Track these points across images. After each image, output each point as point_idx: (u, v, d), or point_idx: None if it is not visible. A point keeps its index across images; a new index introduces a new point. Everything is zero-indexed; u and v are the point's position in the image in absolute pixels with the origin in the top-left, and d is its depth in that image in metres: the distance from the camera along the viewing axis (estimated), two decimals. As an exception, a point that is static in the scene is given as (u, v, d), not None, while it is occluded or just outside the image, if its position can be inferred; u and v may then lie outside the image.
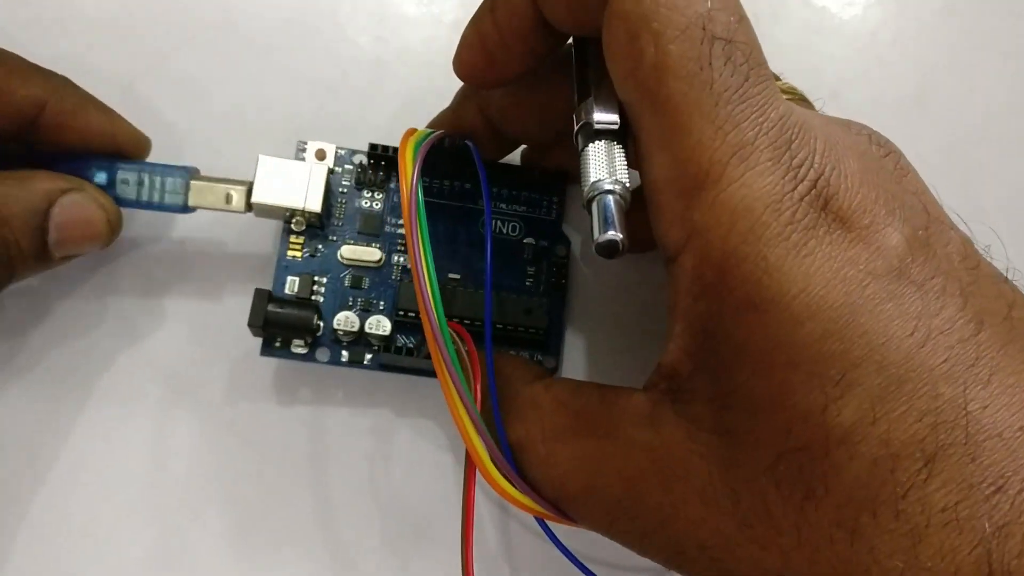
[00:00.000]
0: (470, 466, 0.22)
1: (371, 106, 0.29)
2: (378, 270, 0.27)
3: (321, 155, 0.27)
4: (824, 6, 0.30)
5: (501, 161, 0.28)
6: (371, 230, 0.27)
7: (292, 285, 0.26)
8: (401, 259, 0.27)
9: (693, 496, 0.18)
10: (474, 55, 0.23)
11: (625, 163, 0.20)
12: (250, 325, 0.24)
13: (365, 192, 0.27)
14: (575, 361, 0.28)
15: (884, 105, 0.29)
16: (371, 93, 0.29)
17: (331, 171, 0.27)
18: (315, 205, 0.26)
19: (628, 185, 0.20)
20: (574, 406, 0.21)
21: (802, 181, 0.17)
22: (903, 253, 0.17)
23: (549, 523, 0.22)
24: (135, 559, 0.25)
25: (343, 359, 0.26)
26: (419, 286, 0.21)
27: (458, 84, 0.27)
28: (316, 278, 0.26)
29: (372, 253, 0.27)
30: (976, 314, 0.17)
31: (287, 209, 0.26)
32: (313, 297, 0.26)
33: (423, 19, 0.30)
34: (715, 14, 0.18)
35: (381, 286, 0.27)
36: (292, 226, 0.27)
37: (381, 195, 0.27)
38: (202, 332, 0.27)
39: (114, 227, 0.25)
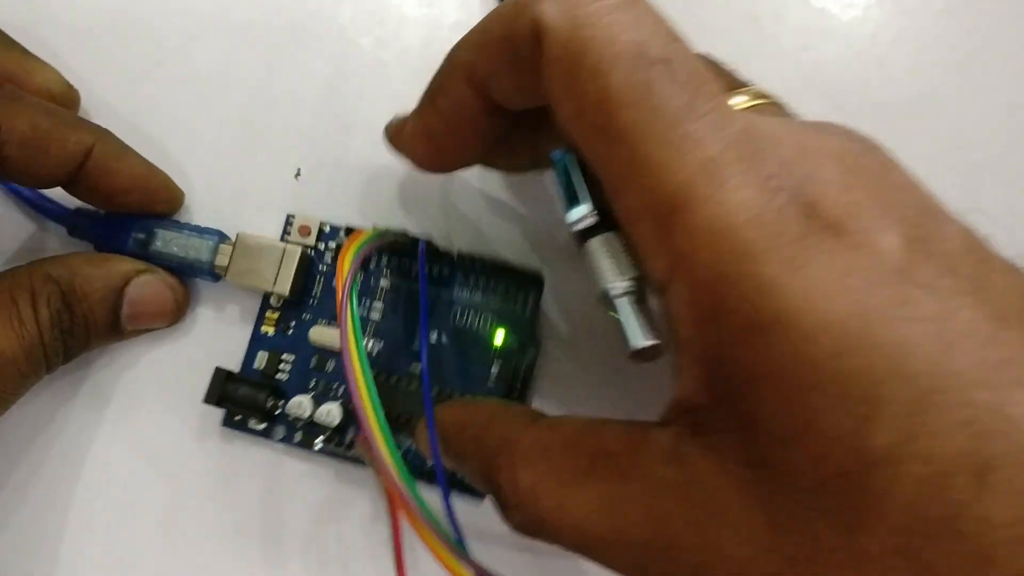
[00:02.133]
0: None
1: (371, 107, 0.29)
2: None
3: (305, 231, 0.28)
4: (824, 7, 0.30)
5: (478, 254, 0.27)
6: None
7: (261, 360, 0.27)
8: (369, 344, 0.27)
9: (731, 535, 0.16)
10: (426, 147, 0.23)
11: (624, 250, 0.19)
12: (206, 402, 0.26)
13: (343, 272, 0.27)
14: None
15: (884, 106, 0.28)
16: (372, 94, 0.29)
17: (312, 248, 0.28)
18: (284, 289, 0.26)
19: (637, 274, 0.19)
20: (587, 447, 0.19)
21: (779, 191, 0.16)
22: (903, 255, 0.16)
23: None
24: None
25: (296, 440, 0.27)
26: (359, 411, 0.21)
27: None
28: (284, 355, 0.27)
29: (338, 337, 0.27)
30: (995, 311, 0.15)
31: (263, 290, 0.27)
32: (278, 375, 0.27)
33: (423, 20, 0.30)
34: (650, 37, 0.18)
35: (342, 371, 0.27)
36: (271, 302, 0.27)
37: (359, 277, 0.27)
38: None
39: (181, 306, 0.28)
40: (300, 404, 0.26)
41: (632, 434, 0.18)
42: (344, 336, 0.22)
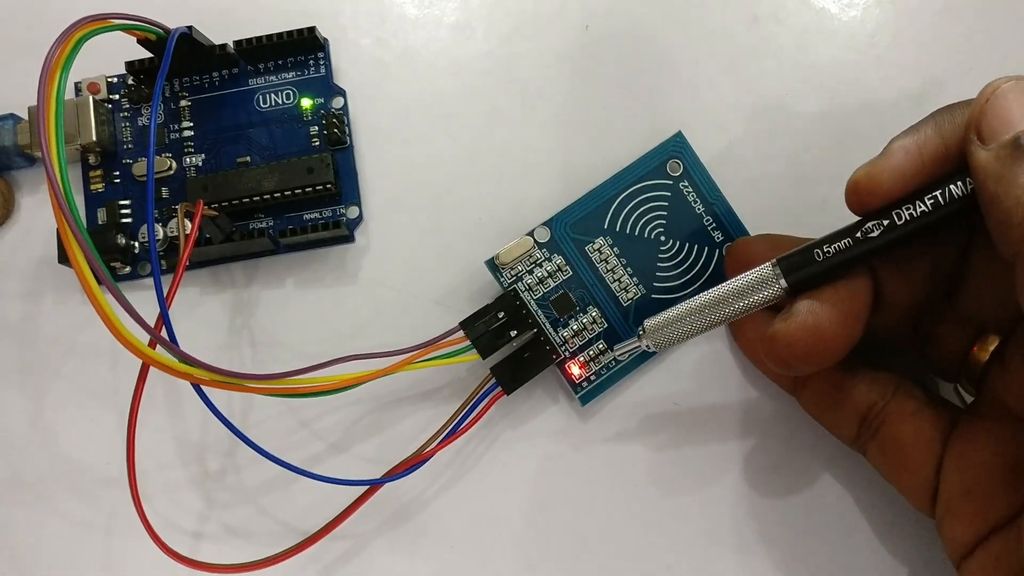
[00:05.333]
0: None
1: (372, 108, 0.29)
2: (173, 177, 0.28)
3: (95, 89, 0.28)
4: (824, 7, 0.30)
5: (249, 36, 0.28)
6: (157, 143, 0.28)
7: (102, 215, 0.28)
8: (190, 160, 0.28)
9: None
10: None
11: None
12: (60, 262, 0.27)
13: (144, 109, 0.28)
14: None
15: (883, 107, 0.28)
16: (372, 94, 0.29)
17: (107, 101, 0.28)
18: (89, 136, 0.27)
19: None
20: None
21: None
22: None
23: (204, 388, 0.23)
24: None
25: (163, 267, 0.28)
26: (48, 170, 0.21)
27: (453, 87, 0.29)
28: (121, 202, 0.28)
29: (162, 163, 0.28)
30: None
31: (73, 148, 0.28)
32: (123, 220, 0.28)
33: (424, 21, 0.30)
34: None
35: (179, 191, 0.28)
36: (90, 161, 0.28)
37: (160, 107, 0.28)
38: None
39: (8, 200, 0.28)
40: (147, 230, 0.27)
41: None
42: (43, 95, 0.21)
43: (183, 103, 0.28)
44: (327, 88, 0.28)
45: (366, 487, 0.25)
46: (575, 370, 0.26)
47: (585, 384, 0.26)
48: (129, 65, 0.28)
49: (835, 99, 0.28)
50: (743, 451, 0.26)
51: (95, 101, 0.28)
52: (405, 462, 0.25)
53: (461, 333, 0.25)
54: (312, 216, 0.28)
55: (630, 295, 0.26)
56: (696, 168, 0.27)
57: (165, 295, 0.23)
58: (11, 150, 0.27)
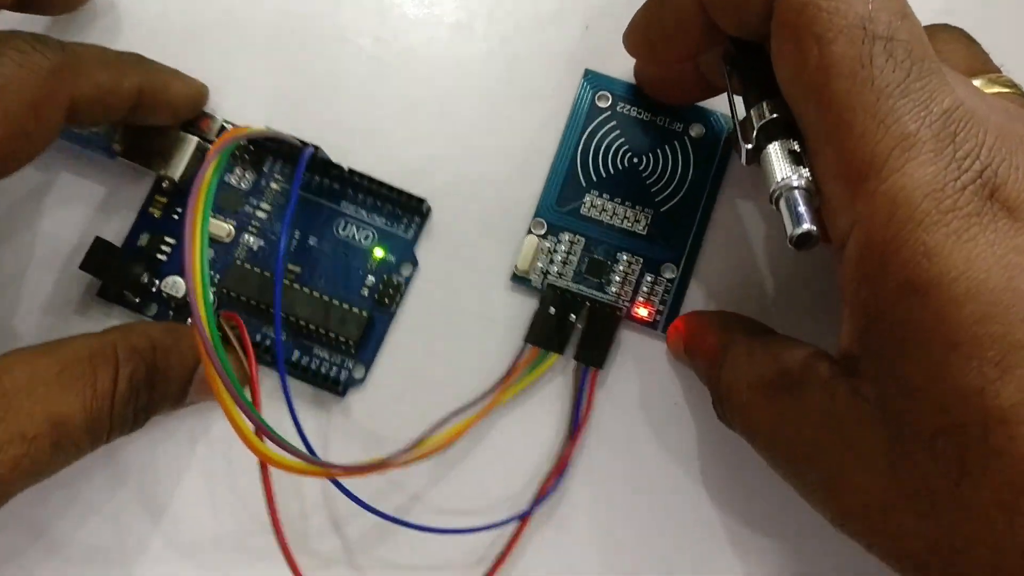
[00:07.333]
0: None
1: (372, 107, 0.29)
2: (226, 245, 0.28)
3: (206, 125, 0.29)
4: None
5: (370, 174, 0.28)
6: (229, 206, 0.28)
7: (144, 240, 0.28)
8: (251, 239, 0.28)
9: (858, 464, 0.19)
10: (638, 42, 0.26)
11: (803, 158, 0.21)
12: (81, 268, 0.26)
13: (237, 169, 0.29)
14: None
15: None
16: (372, 94, 0.29)
17: (209, 142, 0.28)
18: (175, 172, 0.27)
19: (811, 178, 0.20)
20: (781, 363, 0.22)
21: (966, 171, 0.18)
22: None
23: (340, 480, 0.24)
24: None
25: (169, 318, 0.28)
26: (188, 277, 0.22)
27: (456, 90, 0.30)
28: (167, 238, 0.28)
29: (221, 228, 0.28)
30: None
31: (153, 172, 0.28)
32: (159, 255, 0.28)
33: (424, 20, 0.30)
34: (876, 14, 0.19)
35: (223, 261, 0.28)
36: (163, 185, 0.28)
37: (252, 176, 0.29)
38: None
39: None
40: (175, 283, 0.27)
41: (809, 361, 0.21)
42: (191, 210, 0.22)
43: (274, 185, 0.29)
44: (405, 252, 0.28)
45: (517, 522, 0.25)
46: (642, 312, 0.27)
47: (659, 318, 0.27)
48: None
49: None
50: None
51: (199, 142, 0.28)
52: (547, 480, 0.25)
53: (531, 348, 0.26)
54: (321, 355, 0.28)
55: (642, 223, 0.28)
56: (619, 87, 0.29)
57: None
58: (101, 140, 0.27)
